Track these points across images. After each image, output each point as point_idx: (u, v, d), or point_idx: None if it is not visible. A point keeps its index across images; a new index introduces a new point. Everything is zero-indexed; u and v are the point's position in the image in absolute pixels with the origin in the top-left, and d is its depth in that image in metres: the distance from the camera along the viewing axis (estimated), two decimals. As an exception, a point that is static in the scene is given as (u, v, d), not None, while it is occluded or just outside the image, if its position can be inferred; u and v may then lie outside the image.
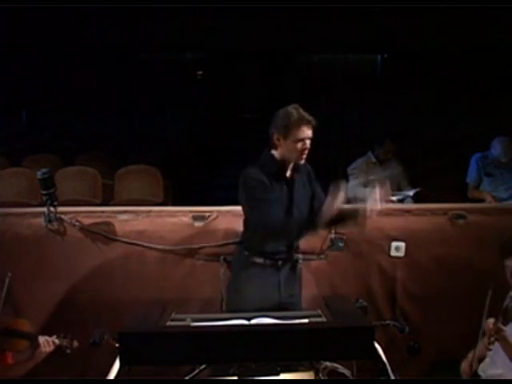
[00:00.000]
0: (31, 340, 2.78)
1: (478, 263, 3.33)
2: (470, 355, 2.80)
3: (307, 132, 2.55)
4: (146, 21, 10.63)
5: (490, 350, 2.64)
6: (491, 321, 2.62)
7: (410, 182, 4.62)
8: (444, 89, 10.39)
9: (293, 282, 2.82)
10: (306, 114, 2.56)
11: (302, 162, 2.63)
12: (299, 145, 2.55)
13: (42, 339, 2.75)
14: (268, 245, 2.71)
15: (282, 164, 2.64)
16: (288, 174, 2.67)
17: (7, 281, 2.97)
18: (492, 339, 2.60)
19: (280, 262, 2.70)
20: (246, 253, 2.77)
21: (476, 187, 4.47)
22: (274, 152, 2.65)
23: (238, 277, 2.85)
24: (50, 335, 2.79)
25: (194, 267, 3.29)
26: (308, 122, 2.54)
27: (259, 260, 2.72)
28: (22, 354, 2.80)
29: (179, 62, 13.73)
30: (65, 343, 2.78)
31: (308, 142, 2.57)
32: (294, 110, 2.57)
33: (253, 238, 2.76)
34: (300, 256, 3.26)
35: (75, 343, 2.80)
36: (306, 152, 2.59)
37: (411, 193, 4.34)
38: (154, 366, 2.66)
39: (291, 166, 2.67)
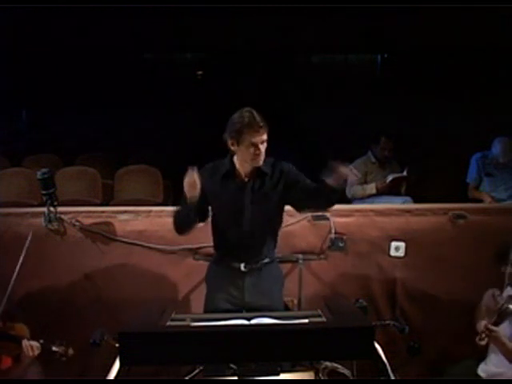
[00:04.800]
0: (18, 343, 2.76)
1: (478, 263, 3.34)
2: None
3: (260, 136, 2.48)
4: (146, 21, 10.64)
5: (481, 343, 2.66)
6: (483, 323, 2.64)
7: (410, 181, 4.62)
8: (444, 89, 10.38)
9: (266, 286, 2.72)
10: (258, 118, 2.49)
11: (260, 164, 2.55)
12: (252, 149, 2.50)
13: (24, 344, 2.73)
14: (224, 248, 2.71)
15: (235, 168, 2.59)
16: (245, 178, 2.61)
17: (11, 285, 2.97)
18: (483, 338, 2.62)
19: (243, 265, 2.66)
20: (215, 253, 2.81)
21: (476, 187, 4.47)
22: (234, 156, 2.61)
23: (207, 276, 2.87)
24: (50, 336, 2.78)
25: (194, 267, 3.29)
26: (260, 127, 2.47)
27: (222, 261, 2.73)
28: (16, 358, 2.79)
29: (179, 62, 13.74)
30: (60, 350, 2.76)
31: (262, 146, 2.51)
32: (246, 113, 2.50)
33: (213, 240, 2.78)
34: (300, 256, 3.27)
35: (70, 351, 2.78)
36: (261, 156, 2.53)
37: (405, 172, 4.36)
38: (154, 365, 2.68)
39: (250, 170, 2.60)
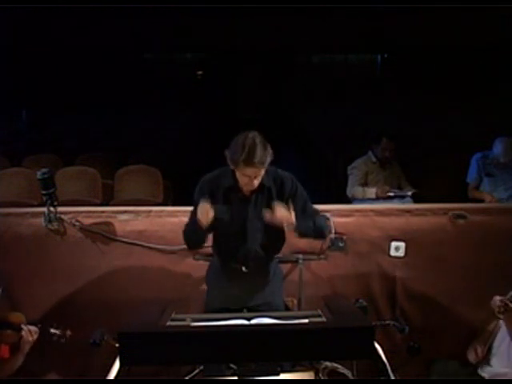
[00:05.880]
0: (18, 331, 2.78)
1: (478, 263, 3.33)
2: (478, 346, 2.82)
3: (250, 172, 2.46)
4: (146, 21, 10.64)
5: (500, 318, 2.65)
6: (498, 298, 2.63)
7: (410, 182, 4.62)
8: (444, 89, 10.39)
9: (267, 285, 2.74)
10: (259, 153, 2.41)
11: (252, 189, 2.55)
12: (245, 179, 2.50)
13: (23, 329, 2.75)
14: (225, 255, 2.72)
15: (237, 182, 2.58)
16: (247, 192, 2.60)
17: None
18: (500, 315, 2.60)
19: (244, 268, 2.68)
20: (215, 257, 2.82)
21: (476, 187, 4.46)
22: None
23: (207, 276, 2.90)
24: (47, 325, 2.80)
25: (194, 267, 3.29)
26: (255, 164, 2.42)
27: (223, 263, 2.74)
28: (14, 346, 2.81)
29: (179, 62, 13.75)
30: (58, 332, 2.78)
31: (255, 179, 2.50)
32: (249, 141, 2.43)
33: (213, 246, 2.79)
34: (300, 256, 3.27)
35: (68, 332, 2.80)
36: (253, 185, 2.52)
37: (409, 193, 4.35)
38: (154, 365, 2.68)
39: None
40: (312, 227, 2.63)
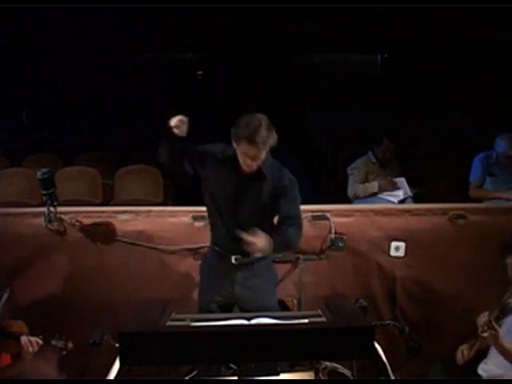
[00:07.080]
0: (18, 341, 2.75)
1: (478, 263, 3.33)
2: (464, 348, 2.82)
3: (251, 150, 2.47)
4: (147, 21, 10.64)
5: (483, 336, 2.64)
6: (484, 316, 2.62)
7: (409, 182, 4.62)
8: (444, 89, 10.40)
9: (257, 281, 2.73)
10: (262, 133, 2.42)
11: (251, 171, 2.57)
12: (243, 157, 2.52)
13: (23, 339, 2.70)
14: (219, 238, 2.73)
15: (239, 162, 2.60)
16: (246, 173, 2.61)
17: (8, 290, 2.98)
18: (486, 330, 2.59)
19: (234, 258, 2.68)
20: (210, 246, 2.83)
21: (479, 186, 4.44)
22: None
23: (201, 269, 2.91)
24: (49, 335, 2.78)
25: (194, 267, 3.29)
26: (257, 145, 2.43)
27: (215, 253, 2.76)
28: (13, 355, 2.78)
29: (179, 62, 13.76)
30: (60, 345, 2.73)
31: (254, 160, 2.51)
32: (254, 122, 2.45)
33: (211, 229, 2.81)
34: (300, 256, 3.27)
35: (70, 344, 2.75)
36: (252, 167, 2.54)
37: (411, 193, 4.35)
38: (154, 365, 2.68)
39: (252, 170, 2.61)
40: (287, 246, 2.74)
